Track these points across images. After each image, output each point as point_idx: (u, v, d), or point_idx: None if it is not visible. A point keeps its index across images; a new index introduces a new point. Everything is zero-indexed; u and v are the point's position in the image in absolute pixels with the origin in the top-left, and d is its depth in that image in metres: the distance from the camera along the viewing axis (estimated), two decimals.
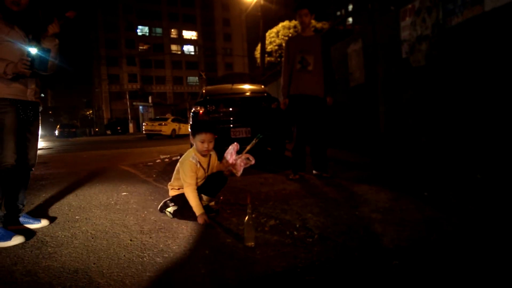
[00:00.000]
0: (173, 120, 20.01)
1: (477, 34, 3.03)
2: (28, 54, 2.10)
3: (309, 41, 3.60)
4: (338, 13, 30.71)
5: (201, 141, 2.40)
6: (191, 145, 2.56)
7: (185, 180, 2.35)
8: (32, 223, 2.34)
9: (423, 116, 3.79)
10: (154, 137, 18.43)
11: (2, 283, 1.56)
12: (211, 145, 2.45)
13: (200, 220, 2.23)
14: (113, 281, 1.53)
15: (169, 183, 2.60)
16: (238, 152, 2.62)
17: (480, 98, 3.08)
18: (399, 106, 4.26)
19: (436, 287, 1.36)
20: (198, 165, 2.43)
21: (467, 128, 3.21)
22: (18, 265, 1.75)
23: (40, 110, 2.38)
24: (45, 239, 2.13)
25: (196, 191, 2.35)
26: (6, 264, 1.77)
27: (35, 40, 2.23)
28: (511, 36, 2.71)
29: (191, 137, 2.50)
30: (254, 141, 2.70)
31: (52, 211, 2.79)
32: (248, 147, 2.67)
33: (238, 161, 2.53)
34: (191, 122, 5.54)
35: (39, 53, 2.12)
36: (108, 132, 38.13)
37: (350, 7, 29.20)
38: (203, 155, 2.47)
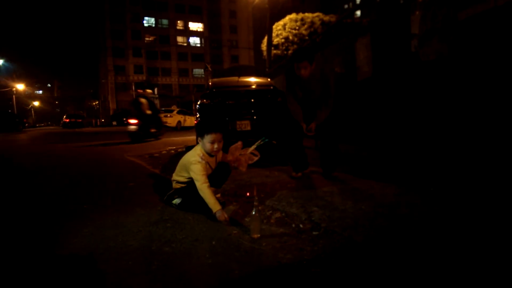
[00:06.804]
0: (178, 112, 20.05)
1: (488, 28, 2.99)
2: None
3: (307, 82, 3.28)
4: (346, 6, 30.33)
5: (211, 142, 2.37)
6: (197, 141, 2.54)
7: (197, 180, 2.31)
8: None
9: (431, 111, 3.76)
10: None
11: None
12: (221, 145, 2.44)
13: (221, 218, 2.14)
14: (122, 270, 1.56)
15: (173, 177, 2.60)
16: (243, 147, 2.63)
17: (489, 92, 3.05)
18: (406, 101, 4.23)
19: (440, 282, 1.37)
20: (207, 165, 2.43)
21: (478, 123, 3.19)
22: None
23: None
24: (52, 228, 2.17)
25: (210, 188, 2.30)
26: None
27: None
28: None
29: (198, 137, 2.46)
30: (258, 142, 2.69)
31: (59, 200, 2.83)
32: (253, 147, 2.67)
33: (244, 157, 2.55)
34: (198, 119, 5.51)
35: None
36: (114, 123, 38.26)
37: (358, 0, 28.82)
38: (211, 155, 2.48)
